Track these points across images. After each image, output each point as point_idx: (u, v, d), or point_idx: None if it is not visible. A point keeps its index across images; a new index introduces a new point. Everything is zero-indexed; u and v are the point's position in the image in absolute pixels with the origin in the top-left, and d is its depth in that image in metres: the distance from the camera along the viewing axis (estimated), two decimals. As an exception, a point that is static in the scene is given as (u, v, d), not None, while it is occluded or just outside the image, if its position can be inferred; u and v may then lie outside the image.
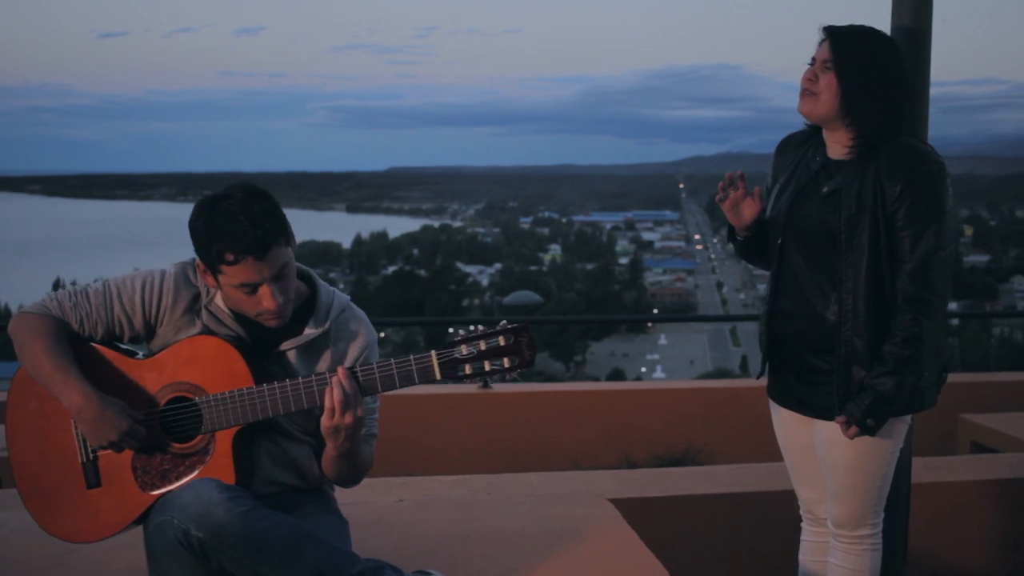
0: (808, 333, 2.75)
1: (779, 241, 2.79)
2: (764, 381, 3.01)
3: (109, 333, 2.44)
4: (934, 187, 2.61)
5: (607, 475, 4.25)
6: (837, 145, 2.73)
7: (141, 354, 2.48)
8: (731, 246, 3.00)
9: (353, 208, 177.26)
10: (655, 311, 79.39)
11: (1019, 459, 4.56)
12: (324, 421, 2.34)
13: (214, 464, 2.38)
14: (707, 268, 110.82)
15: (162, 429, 2.41)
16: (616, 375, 50.93)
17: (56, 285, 42.57)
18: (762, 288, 3.78)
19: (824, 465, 2.82)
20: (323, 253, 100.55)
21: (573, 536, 2.99)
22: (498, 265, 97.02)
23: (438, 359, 2.31)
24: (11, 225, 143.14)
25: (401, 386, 2.34)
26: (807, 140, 2.84)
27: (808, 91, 2.71)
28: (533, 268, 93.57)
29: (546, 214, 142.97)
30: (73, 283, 2.67)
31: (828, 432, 2.75)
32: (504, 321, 2.32)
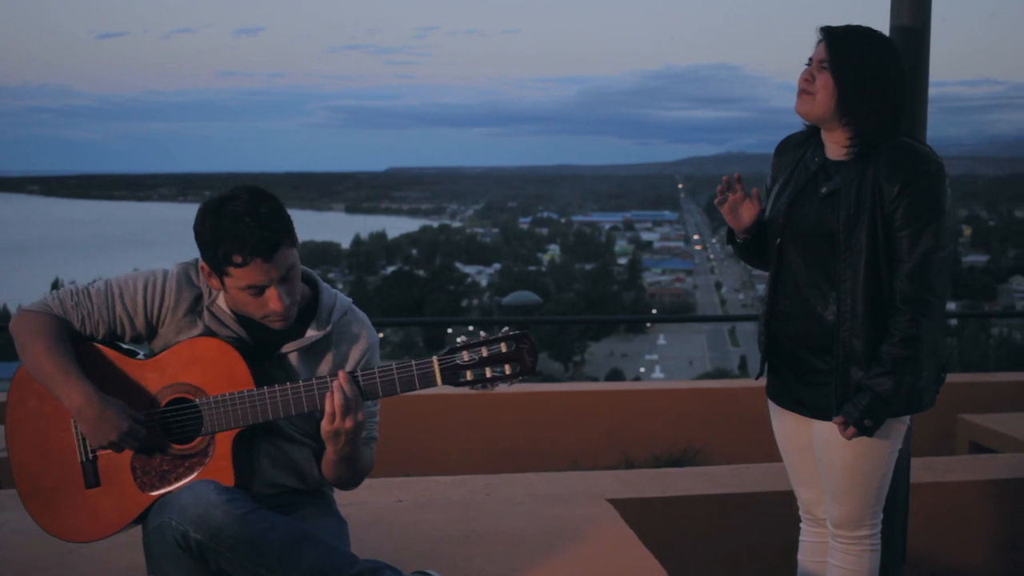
0: (807, 333, 2.75)
1: (778, 242, 2.79)
2: (763, 381, 3.02)
3: (110, 333, 2.44)
4: (932, 187, 2.62)
5: (606, 475, 4.25)
6: (835, 146, 2.74)
7: (142, 354, 2.48)
8: (731, 247, 3.01)
9: (352, 208, 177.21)
10: (654, 311, 79.39)
11: (1018, 459, 4.57)
12: (324, 425, 2.34)
13: (213, 466, 2.38)
14: (706, 268, 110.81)
15: (162, 430, 2.41)
16: (615, 375, 50.92)
17: (55, 285, 42.55)
18: (761, 288, 3.78)
19: (823, 465, 2.82)
20: (322, 253, 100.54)
21: (572, 536, 2.99)
22: (497, 265, 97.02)
23: (440, 365, 2.32)
24: (10, 225, 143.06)
25: (402, 391, 2.35)
26: (806, 141, 2.85)
27: (805, 91, 2.71)
28: (532, 268, 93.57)
29: (545, 214, 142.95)
30: (72, 283, 2.67)
31: (827, 432, 2.75)
32: (506, 328, 2.33)
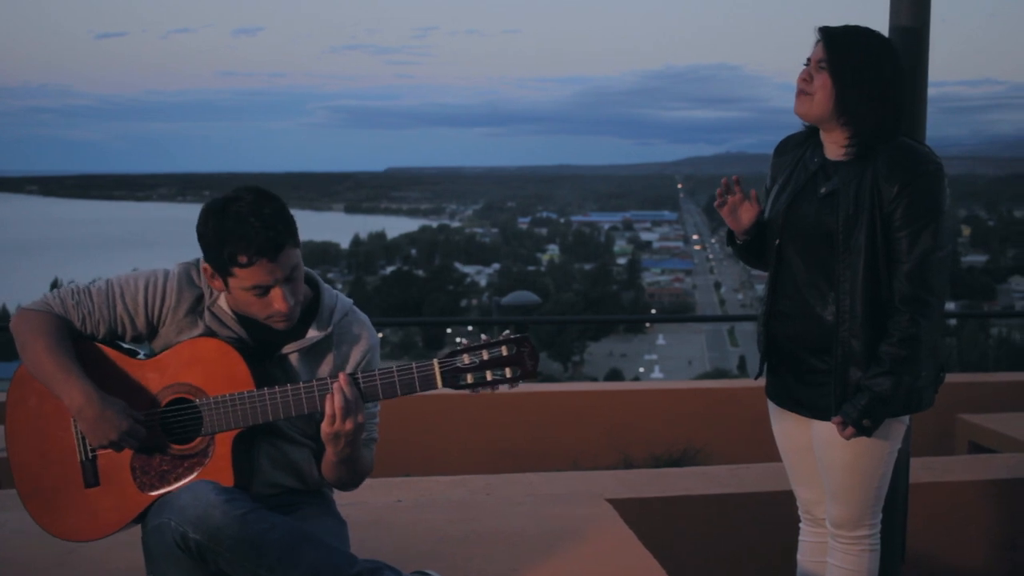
0: (806, 334, 2.75)
1: (777, 242, 2.80)
2: (762, 381, 3.02)
3: (111, 332, 2.45)
4: (932, 187, 2.62)
5: (606, 475, 4.25)
6: (834, 146, 2.74)
7: (143, 354, 2.48)
8: (730, 249, 3.01)
9: (351, 208, 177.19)
10: (653, 311, 79.36)
11: (1017, 459, 4.57)
12: (324, 427, 2.33)
13: (213, 466, 2.38)
14: (705, 268, 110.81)
15: (162, 430, 2.41)
16: (614, 375, 50.88)
17: (54, 285, 42.47)
18: (760, 289, 3.79)
19: (822, 466, 2.82)
20: (321, 253, 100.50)
21: (572, 536, 2.99)
22: (496, 265, 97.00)
23: (440, 368, 2.32)
24: (10, 225, 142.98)
25: (402, 394, 2.35)
26: (805, 141, 2.85)
27: (803, 91, 2.71)
28: (531, 268, 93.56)
29: (544, 214, 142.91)
30: (72, 283, 2.67)
31: (826, 433, 2.75)
32: (507, 331, 2.33)
